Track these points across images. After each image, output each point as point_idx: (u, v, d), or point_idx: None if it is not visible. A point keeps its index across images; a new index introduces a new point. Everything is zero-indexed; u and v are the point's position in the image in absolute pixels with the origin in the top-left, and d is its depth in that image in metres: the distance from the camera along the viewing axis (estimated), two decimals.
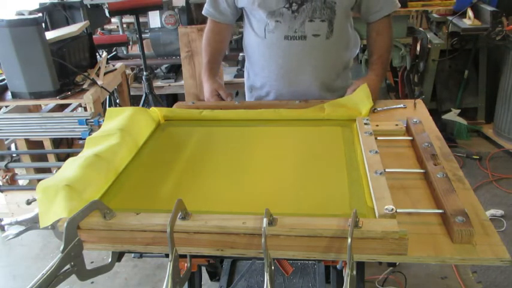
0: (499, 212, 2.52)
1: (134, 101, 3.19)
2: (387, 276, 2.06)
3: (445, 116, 3.39)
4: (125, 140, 1.16)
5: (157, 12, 3.23)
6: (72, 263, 0.81)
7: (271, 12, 1.49)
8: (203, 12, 1.67)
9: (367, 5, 1.55)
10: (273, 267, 0.79)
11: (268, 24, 1.51)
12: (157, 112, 1.40)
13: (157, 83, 3.38)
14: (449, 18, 3.27)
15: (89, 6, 3.17)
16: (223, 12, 1.63)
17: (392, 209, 0.85)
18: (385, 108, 1.46)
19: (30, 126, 2.22)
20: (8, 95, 2.24)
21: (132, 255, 1.08)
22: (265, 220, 0.80)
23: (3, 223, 1.11)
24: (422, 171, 1.06)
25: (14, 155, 2.67)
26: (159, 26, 3.30)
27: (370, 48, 1.62)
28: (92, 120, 2.14)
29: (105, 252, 1.06)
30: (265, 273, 0.77)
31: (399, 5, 1.59)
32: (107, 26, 3.59)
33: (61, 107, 2.58)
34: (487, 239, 0.83)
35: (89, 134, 2.01)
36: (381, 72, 1.59)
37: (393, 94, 3.71)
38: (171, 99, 3.64)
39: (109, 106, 2.88)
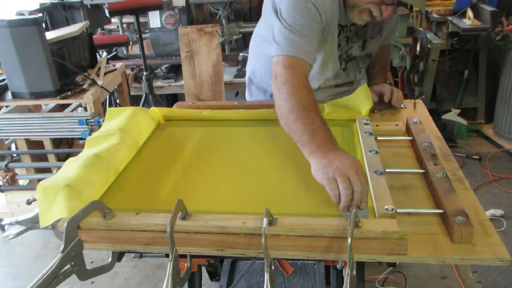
0: (499, 212, 2.52)
1: (134, 101, 3.19)
2: (387, 276, 2.05)
3: (445, 116, 3.39)
4: (125, 140, 1.16)
5: (157, 12, 3.23)
6: (72, 263, 0.81)
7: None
8: (292, 54, 1.17)
9: None
10: (273, 267, 0.79)
11: (328, 79, 1.49)
12: (157, 112, 1.40)
13: (157, 83, 3.37)
14: (449, 18, 3.27)
15: (89, 6, 3.17)
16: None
17: (393, 209, 0.85)
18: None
19: (31, 126, 2.22)
20: (8, 95, 2.24)
21: (132, 255, 1.08)
22: (265, 220, 0.80)
23: (3, 223, 1.11)
24: (422, 171, 1.06)
25: (14, 155, 2.66)
26: (159, 26, 3.30)
27: (373, 61, 1.62)
28: (92, 120, 2.14)
29: (105, 252, 1.06)
30: (265, 273, 0.77)
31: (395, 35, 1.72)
32: (107, 26, 3.58)
33: (61, 107, 2.58)
34: (487, 239, 0.84)
35: (89, 134, 2.01)
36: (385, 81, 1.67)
37: None
38: (171, 99, 3.63)
39: (109, 106, 2.88)
